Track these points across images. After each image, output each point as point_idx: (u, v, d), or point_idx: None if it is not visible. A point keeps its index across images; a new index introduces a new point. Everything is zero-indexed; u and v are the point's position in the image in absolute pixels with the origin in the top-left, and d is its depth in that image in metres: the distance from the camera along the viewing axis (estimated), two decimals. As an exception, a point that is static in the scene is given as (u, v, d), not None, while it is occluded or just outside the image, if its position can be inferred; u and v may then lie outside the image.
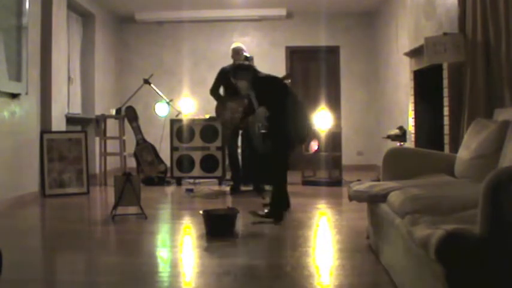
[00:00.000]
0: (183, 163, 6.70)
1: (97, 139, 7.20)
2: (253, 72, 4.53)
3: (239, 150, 6.23)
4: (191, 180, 6.76)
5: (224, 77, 5.84)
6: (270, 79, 4.64)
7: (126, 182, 4.30)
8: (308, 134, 4.78)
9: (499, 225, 1.64)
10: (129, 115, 6.98)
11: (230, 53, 6.05)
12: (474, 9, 3.89)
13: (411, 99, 5.44)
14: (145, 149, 6.91)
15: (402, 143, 6.13)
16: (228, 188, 6.15)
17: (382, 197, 2.73)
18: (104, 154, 7.01)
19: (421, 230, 1.87)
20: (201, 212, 3.82)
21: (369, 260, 2.98)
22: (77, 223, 4.49)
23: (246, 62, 4.65)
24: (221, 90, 6.06)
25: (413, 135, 5.38)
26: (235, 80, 4.57)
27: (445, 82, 4.44)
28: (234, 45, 6.09)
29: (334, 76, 8.92)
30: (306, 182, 6.71)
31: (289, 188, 6.34)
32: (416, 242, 1.89)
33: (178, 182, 6.79)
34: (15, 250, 3.28)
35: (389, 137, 6.49)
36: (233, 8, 8.36)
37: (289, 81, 6.08)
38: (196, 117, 6.85)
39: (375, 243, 3.07)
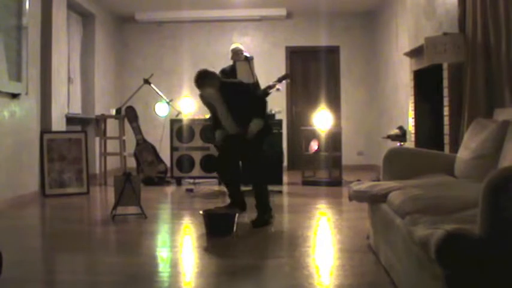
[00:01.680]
0: (183, 163, 6.69)
1: (97, 139, 7.20)
2: (218, 78, 4.38)
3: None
4: (191, 180, 6.76)
5: (225, 77, 5.84)
6: (237, 84, 4.57)
7: (126, 182, 4.30)
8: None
9: (499, 226, 1.64)
10: (129, 115, 6.98)
11: (229, 54, 6.05)
12: (474, 9, 3.89)
13: (411, 99, 5.44)
14: (145, 149, 6.91)
15: (402, 143, 6.13)
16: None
17: (382, 197, 2.73)
18: (104, 154, 7.01)
19: (421, 230, 1.87)
20: (201, 212, 3.82)
21: (369, 260, 2.98)
22: (77, 223, 4.49)
23: (211, 69, 4.46)
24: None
25: (413, 135, 5.38)
26: (201, 88, 4.33)
27: (445, 82, 4.44)
28: (233, 46, 6.09)
29: (334, 76, 8.92)
30: (306, 182, 6.71)
31: (290, 189, 6.38)
32: (416, 242, 1.90)
33: (178, 182, 6.79)
34: (15, 250, 3.28)
35: (389, 137, 6.49)
36: (233, 8, 8.36)
37: (288, 81, 6.07)
38: (196, 117, 6.84)
39: (375, 243, 3.07)
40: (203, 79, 4.29)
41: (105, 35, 8.22)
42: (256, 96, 4.55)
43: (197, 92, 4.46)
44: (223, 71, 5.97)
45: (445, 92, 4.44)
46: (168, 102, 7.17)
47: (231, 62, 5.99)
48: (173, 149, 6.73)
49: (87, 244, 3.67)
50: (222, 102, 4.34)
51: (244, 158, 4.39)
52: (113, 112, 7.07)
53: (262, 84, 6.01)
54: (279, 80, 5.83)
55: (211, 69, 4.46)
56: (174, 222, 4.49)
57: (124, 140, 7.01)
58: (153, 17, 8.66)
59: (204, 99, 4.47)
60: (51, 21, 6.02)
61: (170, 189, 6.56)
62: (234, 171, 4.52)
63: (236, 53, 5.91)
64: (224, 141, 4.49)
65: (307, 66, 8.99)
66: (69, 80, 7.07)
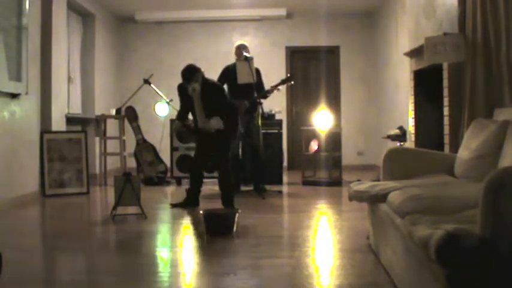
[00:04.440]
0: (183, 163, 6.69)
1: (97, 139, 7.20)
2: (203, 75, 4.80)
3: (239, 150, 6.23)
4: (191, 180, 6.74)
5: (227, 75, 5.83)
6: (216, 85, 4.99)
7: (126, 182, 4.30)
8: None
9: (499, 225, 1.64)
10: (129, 115, 6.98)
11: (234, 50, 6.05)
12: (474, 9, 3.88)
13: (411, 99, 5.43)
14: (145, 149, 6.91)
15: (402, 143, 6.13)
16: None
17: (382, 197, 2.73)
18: (104, 154, 7.01)
19: (421, 230, 1.87)
20: (201, 212, 3.82)
21: (369, 260, 2.98)
22: (77, 223, 4.49)
23: (196, 66, 4.83)
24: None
25: (413, 135, 5.38)
26: (189, 83, 4.71)
27: (445, 82, 4.44)
28: (237, 43, 6.11)
29: (334, 76, 8.92)
30: (306, 182, 6.71)
31: (290, 189, 6.38)
32: (416, 242, 1.90)
33: (178, 182, 6.79)
34: (15, 250, 3.28)
35: (389, 137, 6.49)
36: (233, 8, 8.36)
37: (292, 83, 6.02)
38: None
39: (375, 243, 3.07)
40: (192, 74, 4.71)
41: (105, 35, 8.22)
42: (227, 102, 4.98)
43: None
44: (227, 68, 5.96)
45: (445, 92, 4.44)
46: (168, 102, 7.17)
47: (232, 60, 5.99)
48: (173, 149, 6.73)
49: (87, 244, 3.67)
50: (200, 96, 4.75)
51: (215, 150, 4.86)
52: (113, 112, 7.07)
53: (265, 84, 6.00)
54: (283, 82, 5.82)
55: (197, 65, 4.85)
56: (174, 222, 4.49)
57: (124, 140, 7.01)
58: (153, 17, 8.66)
59: (184, 90, 4.83)
60: (51, 21, 6.01)
61: (170, 189, 6.56)
62: (203, 171, 5.06)
63: (238, 48, 5.91)
64: (198, 141, 4.99)
65: (307, 66, 8.99)
66: (69, 79, 7.07)
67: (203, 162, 4.98)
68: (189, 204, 4.89)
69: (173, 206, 4.98)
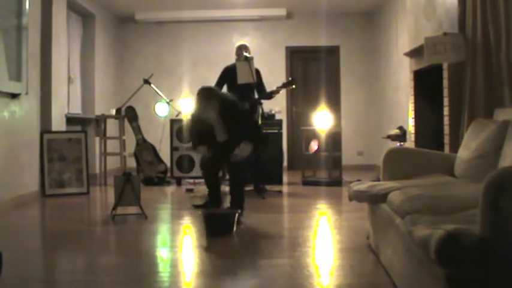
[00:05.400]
0: (183, 163, 6.70)
1: (97, 139, 7.20)
2: (219, 99, 4.29)
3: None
4: (191, 180, 6.76)
5: (228, 75, 5.83)
6: (235, 104, 4.45)
7: (126, 182, 4.30)
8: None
9: (499, 225, 1.64)
10: (129, 115, 6.98)
11: (234, 51, 6.06)
12: (474, 9, 3.89)
13: (411, 99, 5.44)
14: (145, 149, 6.91)
15: (402, 143, 6.13)
16: (228, 188, 6.13)
17: (382, 197, 2.73)
18: (104, 154, 7.01)
19: (421, 230, 1.87)
20: (200, 212, 3.82)
21: (369, 260, 2.98)
22: (77, 223, 4.49)
23: (212, 86, 4.38)
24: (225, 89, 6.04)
25: (413, 135, 5.38)
26: (204, 111, 4.25)
27: (445, 82, 4.44)
28: (238, 44, 6.12)
29: (334, 76, 8.92)
30: (306, 182, 6.71)
31: (290, 189, 6.39)
32: (416, 242, 1.90)
33: (178, 182, 6.79)
34: (15, 250, 3.28)
35: (389, 137, 6.49)
36: (233, 8, 8.36)
37: (294, 86, 5.98)
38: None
39: (375, 243, 3.07)
40: (208, 102, 4.22)
41: (105, 35, 8.22)
42: (250, 119, 4.59)
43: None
44: (227, 69, 5.96)
45: (445, 92, 4.44)
46: (168, 102, 7.17)
47: (232, 61, 6.00)
48: (173, 149, 6.73)
49: (87, 244, 3.67)
50: (218, 117, 4.30)
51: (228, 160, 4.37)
52: (113, 112, 7.07)
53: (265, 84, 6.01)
54: (284, 86, 5.82)
55: (208, 84, 4.48)
56: (174, 222, 4.49)
57: (124, 140, 7.01)
58: (153, 17, 8.66)
59: (198, 117, 4.37)
60: (51, 21, 6.01)
61: (170, 189, 6.56)
62: (217, 175, 4.63)
63: (239, 48, 5.92)
64: (212, 147, 4.41)
65: (307, 66, 8.99)
66: (69, 80, 7.07)
67: (213, 169, 4.52)
68: (210, 206, 4.56)
69: (196, 207, 4.85)
